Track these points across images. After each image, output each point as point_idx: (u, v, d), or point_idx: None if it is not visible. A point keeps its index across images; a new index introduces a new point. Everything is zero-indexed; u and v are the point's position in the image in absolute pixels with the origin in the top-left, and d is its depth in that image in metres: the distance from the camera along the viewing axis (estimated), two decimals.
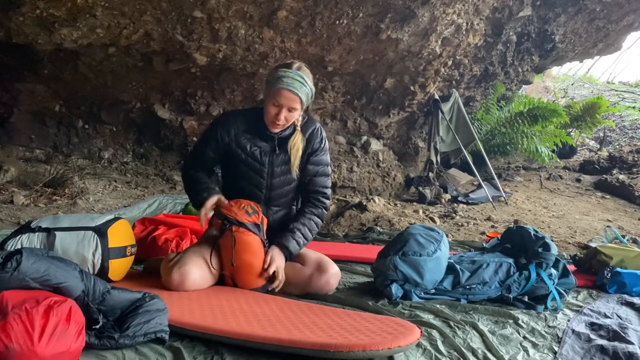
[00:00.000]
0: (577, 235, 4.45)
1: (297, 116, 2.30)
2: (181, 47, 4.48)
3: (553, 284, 2.36)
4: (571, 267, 2.82)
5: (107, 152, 5.74)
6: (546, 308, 2.23)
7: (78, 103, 5.49)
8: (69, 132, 5.63)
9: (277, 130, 2.32)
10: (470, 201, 5.63)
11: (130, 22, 4.09)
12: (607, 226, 4.58)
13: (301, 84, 2.20)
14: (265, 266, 2.22)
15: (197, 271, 2.22)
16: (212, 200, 2.28)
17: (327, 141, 2.49)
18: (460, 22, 5.17)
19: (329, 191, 2.50)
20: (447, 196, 5.81)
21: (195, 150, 2.49)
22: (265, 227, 2.29)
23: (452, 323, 1.96)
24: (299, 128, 2.35)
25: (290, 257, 2.31)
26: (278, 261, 2.24)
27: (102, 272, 2.17)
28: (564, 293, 2.43)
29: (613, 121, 10.20)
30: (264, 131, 2.34)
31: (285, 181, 2.41)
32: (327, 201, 2.49)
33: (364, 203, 4.85)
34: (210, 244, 2.35)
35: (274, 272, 2.23)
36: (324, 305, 2.11)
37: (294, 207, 2.52)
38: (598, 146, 9.59)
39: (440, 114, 5.95)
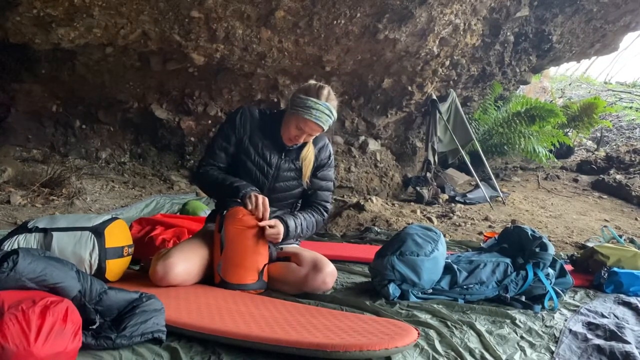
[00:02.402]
0: (575, 235, 4.46)
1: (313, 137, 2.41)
2: (179, 47, 4.48)
3: (550, 284, 2.36)
4: (568, 267, 2.83)
5: (105, 152, 5.73)
6: (543, 308, 2.24)
7: (75, 103, 5.48)
8: (66, 132, 5.62)
9: (290, 144, 2.40)
10: (467, 201, 5.63)
11: (127, 22, 4.08)
12: (604, 226, 4.59)
13: (328, 117, 2.29)
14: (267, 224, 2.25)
15: (182, 264, 2.21)
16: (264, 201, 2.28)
17: (333, 157, 2.59)
18: (457, 23, 5.17)
19: (329, 205, 2.60)
20: (445, 196, 5.82)
21: (213, 145, 2.45)
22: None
23: (449, 323, 1.96)
24: (310, 141, 2.44)
25: (287, 232, 2.32)
26: (278, 227, 2.27)
27: (99, 273, 2.17)
28: (561, 293, 2.43)
29: (610, 121, 10.21)
30: (276, 138, 2.40)
31: (288, 187, 2.47)
32: (326, 213, 2.57)
33: (362, 203, 4.86)
34: (204, 238, 2.38)
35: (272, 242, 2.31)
36: (321, 306, 2.11)
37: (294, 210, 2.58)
38: (595, 146, 9.60)
39: (437, 114, 5.96)
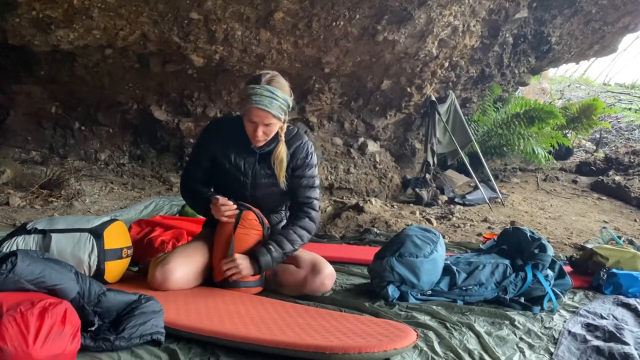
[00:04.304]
0: (574, 237, 4.46)
1: (276, 129, 2.27)
2: (178, 49, 4.48)
3: (549, 285, 2.36)
4: (567, 268, 2.83)
5: (104, 154, 5.73)
6: (542, 309, 2.24)
7: (74, 104, 5.48)
8: (66, 134, 5.62)
9: (259, 145, 2.29)
10: (466, 202, 5.64)
11: (126, 24, 4.08)
12: (603, 227, 4.59)
13: (270, 99, 2.15)
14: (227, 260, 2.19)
15: (182, 269, 2.21)
16: (224, 199, 2.28)
17: (314, 156, 2.43)
18: (456, 24, 5.18)
19: (315, 201, 2.43)
20: (444, 197, 5.82)
21: (190, 161, 2.53)
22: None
23: (448, 324, 1.96)
24: (282, 140, 2.32)
25: (259, 270, 2.23)
26: (242, 262, 2.19)
27: (98, 274, 2.17)
28: (560, 294, 2.43)
29: (609, 122, 10.22)
30: (248, 143, 2.32)
31: (269, 193, 2.39)
32: (312, 210, 2.41)
33: (361, 204, 4.85)
34: (203, 241, 2.38)
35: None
36: (320, 307, 2.11)
37: (284, 212, 2.54)
38: (594, 147, 9.61)
39: (437, 116, 5.97)
